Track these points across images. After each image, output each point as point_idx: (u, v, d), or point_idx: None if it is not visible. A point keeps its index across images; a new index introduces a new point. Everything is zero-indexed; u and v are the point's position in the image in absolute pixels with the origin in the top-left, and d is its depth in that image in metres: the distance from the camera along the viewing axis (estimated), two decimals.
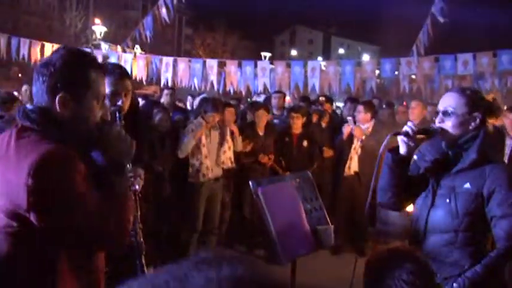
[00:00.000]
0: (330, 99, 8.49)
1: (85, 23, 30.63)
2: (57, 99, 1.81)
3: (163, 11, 12.08)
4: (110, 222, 1.84)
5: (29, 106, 1.88)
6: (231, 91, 11.77)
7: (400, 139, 2.49)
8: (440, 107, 2.53)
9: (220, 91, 12.12)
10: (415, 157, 2.65)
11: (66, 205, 1.72)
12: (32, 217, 1.69)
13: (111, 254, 2.16)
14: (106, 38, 22.56)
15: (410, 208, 3.74)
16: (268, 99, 8.41)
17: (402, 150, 2.49)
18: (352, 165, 6.45)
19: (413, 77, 10.86)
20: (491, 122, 2.90)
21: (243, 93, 12.09)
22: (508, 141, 5.03)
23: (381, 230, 5.76)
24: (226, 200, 6.18)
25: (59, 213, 1.73)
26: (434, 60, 10.26)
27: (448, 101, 2.51)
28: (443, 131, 2.48)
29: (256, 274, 0.60)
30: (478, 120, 2.47)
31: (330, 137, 7.04)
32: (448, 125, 2.47)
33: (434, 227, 2.49)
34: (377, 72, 11.10)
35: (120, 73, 2.67)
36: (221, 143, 5.90)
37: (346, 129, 6.48)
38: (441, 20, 10.07)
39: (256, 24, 57.55)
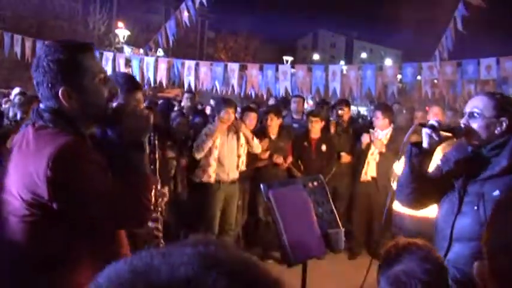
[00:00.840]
0: (348, 104, 8.26)
1: (108, 27, 31.03)
2: (59, 95, 1.88)
3: (186, 14, 12.16)
4: (129, 204, 1.91)
5: (41, 106, 1.95)
6: (252, 94, 11.80)
7: (425, 132, 2.44)
8: (468, 108, 2.48)
9: (242, 94, 12.16)
10: (438, 162, 2.61)
11: (85, 193, 1.80)
12: (54, 206, 1.77)
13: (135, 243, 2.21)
14: (129, 42, 22.84)
15: (424, 213, 3.73)
16: (280, 103, 8.40)
17: (425, 143, 2.44)
18: (369, 171, 6.43)
19: (435, 81, 10.77)
20: None
21: (264, 96, 12.09)
22: None
23: (394, 235, 5.74)
24: (239, 203, 6.23)
25: (78, 201, 1.81)
26: (456, 64, 10.16)
27: (476, 103, 2.46)
28: (468, 129, 2.43)
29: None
30: (504, 125, 2.41)
31: (349, 142, 6.95)
32: (474, 127, 2.43)
33: (461, 235, 2.41)
34: (399, 76, 11.02)
35: (132, 85, 2.78)
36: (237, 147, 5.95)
37: (364, 139, 6.47)
38: (460, 28, 9.98)
39: (279, 28, 57.57)
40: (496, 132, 2.41)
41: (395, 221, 5.11)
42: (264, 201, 6.25)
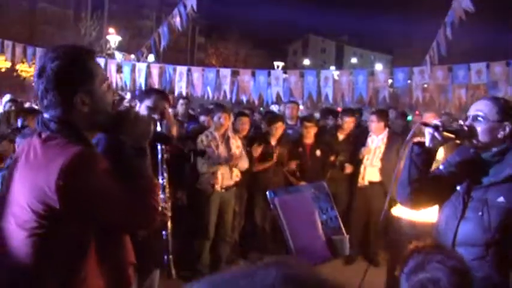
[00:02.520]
0: (353, 113, 7.51)
1: (99, 33, 30.94)
2: (75, 101, 1.87)
3: (178, 20, 12.17)
4: (138, 207, 1.93)
5: (46, 116, 1.92)
6: (244, 100, 11.80)
7: (428, 131, 2.45)
8: (472, 111, 2.51)
9: (233, 100, 12.15)
10: (440, 167, 2.63)
11: (98, 200, 1.82)
12: (66, 215, 1.78)
13: (138, 250, 2.22)
14: (120, 48, 22.80)
15: (423, 218, 3.76)
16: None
17: (428, 143, 2.45)
18: (366, 175, 6.45)
19: (425, 86, 10.84)
20: None
21: (256, 102, 12.09)
22: None
23: (393, 240, 5.76)
24: (236, 209, 6.21)
25: (90, 209, 1.82)
26: (447, 69, 10.24)
27: (480, 107, 2.49)
28: (472, 130, 2.44)
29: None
30: (507, 129, 2.44)
31: (349, 150, 6.86)
32: (477, 130, 2.45)
33: (464, 240, 2.43)
34: (390, 81, 11.08)
35: (160, 95, 3.67)
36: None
37: (365, 151, 6.49)
38: (449, 35, 10.09)
39: (269, 33, 57.59)
40: (499, 136, 2.44)
41: (393, 226, 5.13)
42: (260, 207, 6.34)
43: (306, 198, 2.74)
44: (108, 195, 1.84)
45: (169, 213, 3.00)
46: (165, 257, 2.98)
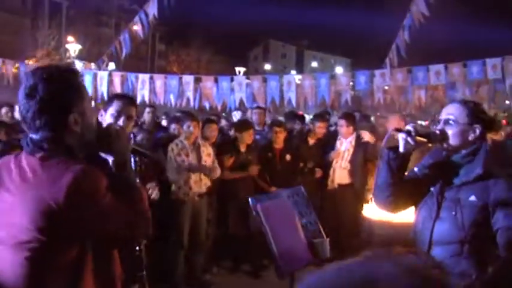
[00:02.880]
0: (324, 118, 7.74)
1: (58, 42, 30.28)
2: (69, 120, 1.87)
3: (139, 28, 12.08)
4: (135, 218, 1.96)
5: (34, 136, 1.88)
6: (207, 107, 11.77)
7: (401, 136, 2.52)
8: (443, 115, 2.60)
9: (196, 107, 12.09)
10: (415, 169, 2.71)
11: (101, 214, 1.84)
12: (70, 232, 1.81)
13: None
14: (80, 56, 22.40)
15: (396, 219, 3.84)
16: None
17: (401, 147, 2.52)
18: (336, 178, 6.54)
19: (386, 88, 11.05)
20: (491, 136, 2.91)
21: (219, 108, 12.06)
22: None
23: (365, 241, 5.86)
24: (209, 217, 6.19)
25: (95, 222, 1.85)
26: (407, 71, 10.48)
27: (451, 110, 2.58)
28: (444, 134, 2.53)
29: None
30: (477, 131, 2.53)
31: (318, 153, 6.96)
32: (449, 133, 2.53)
33: (440, 239, 2.52)
34: (351, 84, 11.25)
35: (122, 100, 3.45)
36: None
37: (334, 155, 6.59)
38: (407, 39, 10.35)
39: (230, 39, 57.49)
40: (469, 138, 2.54)
41: (364, 227, 5.22)
42: (233, 214, 6.33)
43: (286, 203, 2.78)
44: (112, 210, 1.87)
45: None
46: (139, 273, 2.96)
